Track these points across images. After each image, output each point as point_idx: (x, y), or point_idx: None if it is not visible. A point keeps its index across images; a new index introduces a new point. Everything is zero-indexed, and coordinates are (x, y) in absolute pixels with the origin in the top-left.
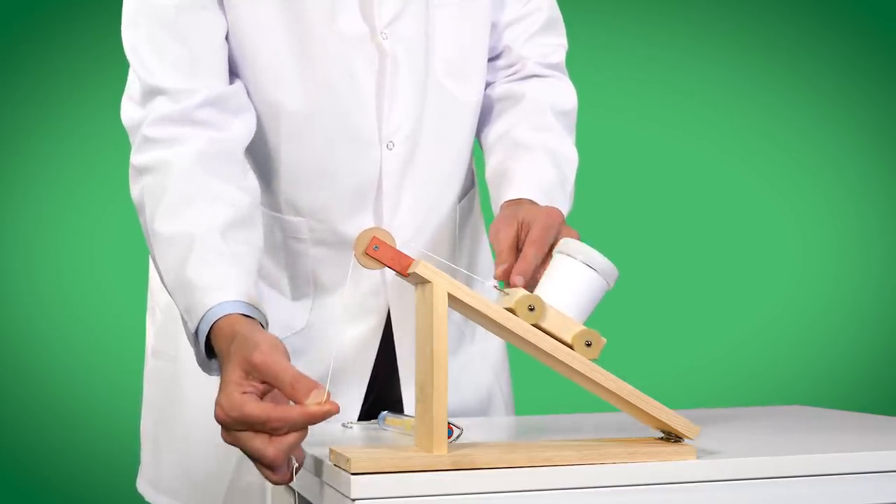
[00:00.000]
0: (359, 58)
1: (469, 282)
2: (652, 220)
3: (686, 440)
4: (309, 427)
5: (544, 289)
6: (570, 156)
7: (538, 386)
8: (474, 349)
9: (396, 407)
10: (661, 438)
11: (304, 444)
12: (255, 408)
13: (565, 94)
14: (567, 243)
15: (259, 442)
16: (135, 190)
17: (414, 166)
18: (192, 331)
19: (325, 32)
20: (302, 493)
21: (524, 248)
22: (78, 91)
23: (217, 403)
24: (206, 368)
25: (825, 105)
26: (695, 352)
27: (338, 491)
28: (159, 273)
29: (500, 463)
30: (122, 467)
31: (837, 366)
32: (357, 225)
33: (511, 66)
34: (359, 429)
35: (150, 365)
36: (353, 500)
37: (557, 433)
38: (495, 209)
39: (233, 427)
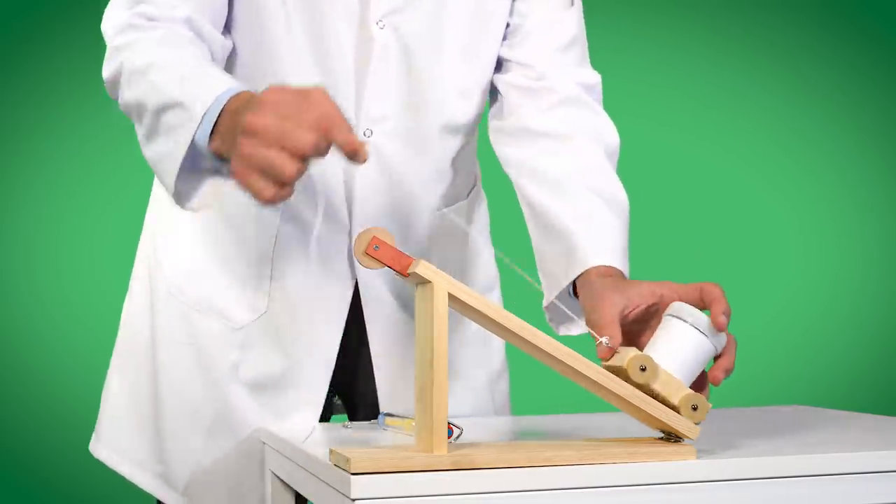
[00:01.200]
0: (348, 37)
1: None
2: (653, 219)
3: (686, 440)
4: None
5: (654, 349)
6: (625, 203)
7: (538, 386)
8: (472, 356)
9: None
10: (661, 438)
11: (303, 444)
12: (321, 103)
13: (610, 130)
14: (677, 307)
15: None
16: (110, 67)
17: (391, 162)
18: (202, 112)
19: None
20: (302, 493)
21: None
22: (78, 91)
23: (271, 96)
24: (188, 180)
25: (826, 106)
26: None
27: (338, 491)
28: (151, 89)
29: (499, 463)
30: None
31: (837, 366)
32: (327, 204)
33: (540, 80)
34: (359, 428)
35: (125, 336)
36: (353, 500)
37: (557, 433)
38: (561, 268)
39: (285, 109)
